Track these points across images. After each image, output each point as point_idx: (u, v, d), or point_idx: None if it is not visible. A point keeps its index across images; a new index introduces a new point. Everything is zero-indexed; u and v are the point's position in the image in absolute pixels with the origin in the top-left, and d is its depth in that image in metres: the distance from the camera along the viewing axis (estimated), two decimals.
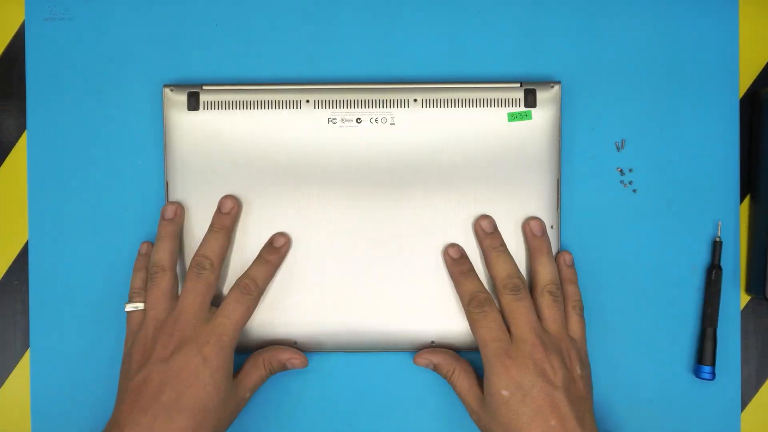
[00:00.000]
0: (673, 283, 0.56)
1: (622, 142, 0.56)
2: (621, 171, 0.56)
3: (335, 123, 0.54)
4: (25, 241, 0.57)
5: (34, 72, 0.56)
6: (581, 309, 0.53)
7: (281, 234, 0.54)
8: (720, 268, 0.55)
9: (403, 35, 0.56)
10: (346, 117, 0.54)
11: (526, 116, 0.54)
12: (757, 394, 0.56)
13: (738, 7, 0.56)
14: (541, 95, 0.54)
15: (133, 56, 0.56)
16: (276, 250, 0.53)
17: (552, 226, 0.54)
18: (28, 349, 0.56)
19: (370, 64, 0.56)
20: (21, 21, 0.57)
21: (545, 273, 0.53)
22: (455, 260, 0.53)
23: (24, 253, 0.57)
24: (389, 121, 0.54)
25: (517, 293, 0.51)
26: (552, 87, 0.54)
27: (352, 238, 0.54)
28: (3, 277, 0.57)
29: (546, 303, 0.52)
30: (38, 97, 0.56)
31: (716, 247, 0.56)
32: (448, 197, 0.54)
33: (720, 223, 0.56)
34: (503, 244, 0.53)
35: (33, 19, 0.56)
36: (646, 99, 0.56)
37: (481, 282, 0.53)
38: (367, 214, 0.54)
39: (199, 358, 0.49)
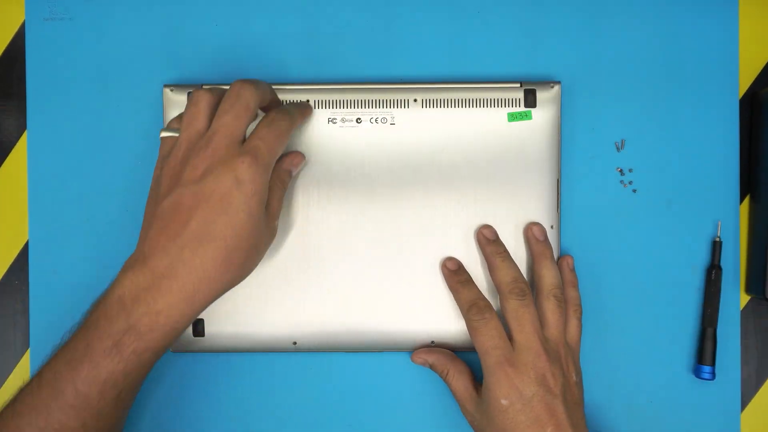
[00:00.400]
0: (673, 283, 0.56)
1: (622, 142, 0.56)
2: (621, 171, 0.56)
3: (335, 123, 0.54)
4: (25, 241, 0.57)
5: (34, 72, 0.56)
6: (581, 313, 0.53)
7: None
8: (720, 268, 0.55)
9: (403, 35, 0.56)
10: (347, 117, 0.54)
11: (526, 116, 0.53)
12: (757, 394, 0.56)
13: (738, 7, 0.56)
14: (541, 95, 0.54)
15: (133, 56, 0.56)
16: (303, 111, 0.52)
17: (552, 227, 0.54)
18: (28, 349, 0.56)
19: (370, 64, 0.56)
20: (21, 21, 0.57)
21: (550, 277, 0.52)
22: (453, 271, 0.53)
23: (24, 253, 0.57)
24: (389, 121, 0.54)
25: (523, 298, 0.51)
26: (552, 87, 0.54)
27: (352, 238, 0.54)
28: (3, 277, 0.57)
29: (551, 307, 0.51)
30: (38, 97, 0.56)
31: (716, 247, 0.56)
32: (448, 197, 0.54)
33: (720, 223, 0.56)
34: (506, 251, 0.53)
35: (33, 19, 0.56)
36: (646, 99, 0.56)
37: (479, 290, 0.53)
38: (367, 215, 0.54)
39: (233, 180, 0.44)
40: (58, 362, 0.45)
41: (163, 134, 0.50)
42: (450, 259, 0.54)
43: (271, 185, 0.49)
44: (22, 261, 0.57)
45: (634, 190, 0.56)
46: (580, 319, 0.53)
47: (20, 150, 0.57)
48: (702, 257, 0.56)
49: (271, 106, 0.51)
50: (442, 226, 0.54)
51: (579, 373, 0.52)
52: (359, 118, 0.54)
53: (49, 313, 0.56)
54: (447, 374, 0.53)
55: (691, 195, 0.56)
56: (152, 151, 0.55)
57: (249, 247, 0.46)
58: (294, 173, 0.52)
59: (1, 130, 0.57)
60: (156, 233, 0.45)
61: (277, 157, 0.48)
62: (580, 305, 0.53)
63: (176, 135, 0.49)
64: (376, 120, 0.54)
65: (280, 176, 0.51)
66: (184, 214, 0.44)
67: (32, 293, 0.56)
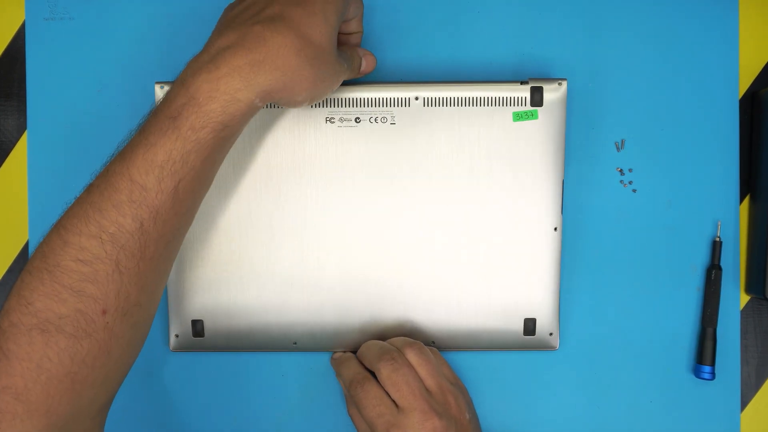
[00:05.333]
0: (673, 283, 0.56)
1: (622, 142, 0.56)
2: (621, 171, 0.56)
3: (333, 122, 0.53)
4: (25, 241, 0.57)
5: (34, 72, 0.56)
6: (432, 350, 0.53)
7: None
8: (720, 268, 0.55)
9: (403, 31, 0.56)
10: (345, 116, 0.53)
11: (532, 116, 0.52)
12: (757, 394, 0.56)
13: (738, 7, 0.56)
14: (548, 94, 0.52)
15: (133, 56, 0.56)
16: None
17: (555, 228, 0.53)
18: None
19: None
20: (21, 21, 0.57)
21: (393, 341, 0.52)
22: (335, 358, 0.54)
23: (24, 253, 0.57)
24: (389, 121, 0.53)
25: (393, 362, 0.50)
26: (559, 85, 0.52)
27: (351, 240, 0.54)
28: (3, 277, 0.57)
29: (416, 360, 0.50)
30: (38, 97, 0.56)
31: (716, 247, 0.56)
32: (449, 199, 0.53)
33: (720, 222, 0.56)
34: (348, 355, 0.54)
35: (33, 19, 0.56)
36: (646, 99, 0.56)
37: (360, 364, 0.52)
38: (366, 218, 0.54)
39: None
40: (111, 163, 0.43)
41: None
42: (336, 352, 0.55)
43: (343, 52, 0.48)
44: (22, 261, 0.57)
45: (634, 190, 0.56)
46: (437, 353, 0.53)
47: (20, 150, 0.57)
48: (702, 257, 0.56)
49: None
50: (443, 228, 0.54)
51: (470, 406, 0.52)
52: (358, 118, 0.53)
53: None
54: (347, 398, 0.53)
55: (691, 195, 0.56)
56: None
57: (321, 47, 0.44)
58: (363, 70, 0.51)
59: (1, 130, 0.57)
60: (227, 21, 0.44)
61: (353, 14, 0.48)
62: (417, 342, 0.52)
63: None
64: (375, 119, 0.53)
65: (351, 55, 0.49)
66: (261, 4, 0.44)
67: None
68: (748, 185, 0.57)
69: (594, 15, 0.56)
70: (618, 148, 0.56)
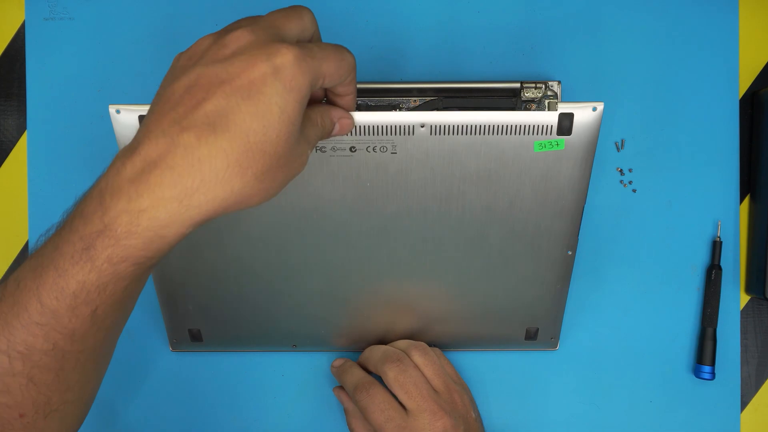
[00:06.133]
0: (673, 283, 0.56)
1: (622, 142, 0.56)
2: (621, 171, 0.56)
3: (324, 152, 0.44)
4: (25, 241, 0.57)
5: (34, 72, 0.56)
6: (435, 350, 0.53)
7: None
8: (720, 268, 0.55)
9: (402, 31, 0.56)
10: (338, 145, 0.44)
11: (557, 146, 0.44)
12: (757, 394, 0.56)
13: (738, 7, 0.56)
14: (579, 119, 0.43)
15: (133, 56, 0.56)
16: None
17: (569, 252, 0.50)
18: None
19: (369, 71, 0.56)
20: (21, 21, 0.57)
21: (398, 344, 0.53)
22: (337, 366, 0.54)
23: (24, 253, 0.57)
24: (390, 150, 0.44)
25: (400, 363, 0.50)
26: (594, 110, 0.43)
27: (353, 249, 0.50)
28: (3, 277, 0.57)
29: (421, 360, 0.51)
30: (38, 97, 0.56)
31: (716, 247, 0.55)
32: (460, 226, 0.47)
33: (720, 223, 0.56)
34: (350, 362, 0.54)
35: (33, 19, 0.56)
36: (646, 99, 0.56)
37: (362, 370, 0.52)
38: (369, 231, 0.48)
39: (270, 66, 0.34)
40: (23, 270, 0.36)
41: None
42: (336, 359, 0.55)
43: (312, 119, 0.38)
44: (22, 261, 0.57)
45: (634, 190, 0.56)
46: (441, 354, 0.54)
47: (20, 150, 0.57)
48: (702, 257, 0.56)
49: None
50: (447, 255, 0.50)
51: (474, 404, 0.53)
52: (353, 147, 0.44)
53: None
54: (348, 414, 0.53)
55: (691, 195, 0.56)
56: None
57: (276, 154, 0.34)
58: (334, 133, 0.41)
59: (1, 130, 0.57)
60: (158, 117, 0.34)
61: (330, 84, 0.37)
62: (420, 342, 0.53)
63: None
64: (373, 149, 0.44)
65: (324, 119, 0.39)
66: (198, 95, 0.34)
67: None
68: (748, 185, 0.57)
69: (594, 15, 0.56)
70: (618, 148, 0.56)
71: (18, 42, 0.57)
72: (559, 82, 0.53)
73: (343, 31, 0.56)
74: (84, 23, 0.56)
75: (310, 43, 0.37)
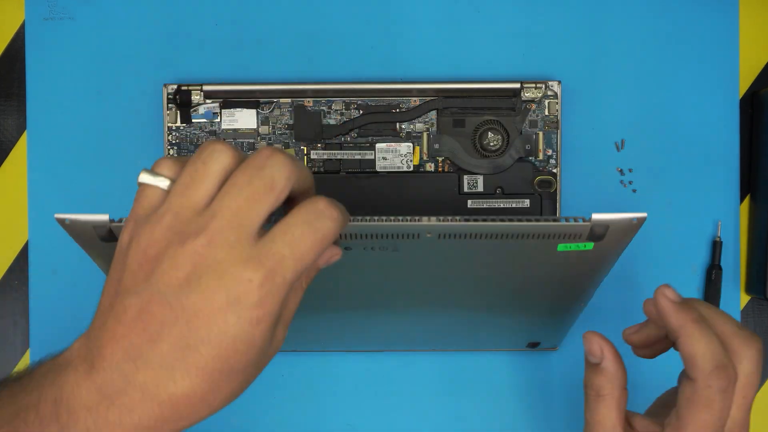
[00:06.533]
0: (673, 283, 0.56)
1: (622, 142, 0.56)
2: (621, 171, 0.56)
3: None
4: (25, 241, 0.57)
5: (34, 72, 0.56)
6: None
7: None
8: (720, 268, 0.55)
9: (397, 33, 0.56)
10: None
11: (584, 247, 0.38)
12: (757, 395, 0.56)
13: (738, 7, 0.56)
14: (615, 228, 0.37)
15: (134, 56, 0.56)
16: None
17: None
18: (28, 349, 0.56)
19: (369, 71, 0.56)
20: (21, 21, 0.57)
21: (707, 348, 0.37)
22: (679, 304, 0.37)
23: (24, 253, 0.57)
24: (391, 248, 0.39)
25: (725, 390, 0.36)
26: (635, 221, 0.37)
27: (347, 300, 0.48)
28: (3, 277, 0.57)
29: (717, 398, 0.37)
30: (38, 97, 0.56)
31: (716, 247, 0.55)
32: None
33: (720, 223, 0.56)
34: (702, 315, 0.37)
35: (33, 19, 0.56)
36: (646, 99, 0.56)
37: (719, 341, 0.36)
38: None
39: (226, 300, 0.30)
40: None
41: (144, 178, 0.33)
42: (665, 286, 0.37)
43: (294, 288, 0.34)
44: (22, 261, 0.57)
45: (634, 190, 0.56)
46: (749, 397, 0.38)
47: (20, 150, 0.57)
48: (702, 257, 0.56)
49: (302, 196, 0.34)
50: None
51: None
52: (348, 247, 0.38)
53: (49, 313, 0.56)
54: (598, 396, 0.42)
55: (691, 195, 0.56)
56: (152, 151, 0.55)
57: (241, 373, 0.32)
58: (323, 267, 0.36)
59: (1, 130, 0.57)
60: (110, 337, 0.31)
61: (307, 267, 0.32)
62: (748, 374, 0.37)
63: (161, 187, 0.33)
64: (372, 247, 0.38)
65: (306, 274, 0.35)
66: (152, 329, 0.30)
67: (32, 293, 0.56)
68: (748, 185, 0.57)
69: (594, 14, 0.56)
70: (618, 148, 0.56)
71: (18, 42, 0.57)
72: (559, 82, 0.53)
73: (343, 32, 0.56)
74: (84, 23, 0.56)
75: (285, 228, 0.31)
